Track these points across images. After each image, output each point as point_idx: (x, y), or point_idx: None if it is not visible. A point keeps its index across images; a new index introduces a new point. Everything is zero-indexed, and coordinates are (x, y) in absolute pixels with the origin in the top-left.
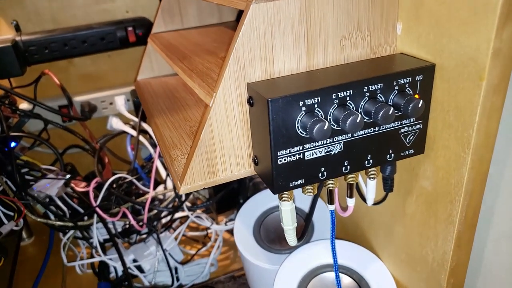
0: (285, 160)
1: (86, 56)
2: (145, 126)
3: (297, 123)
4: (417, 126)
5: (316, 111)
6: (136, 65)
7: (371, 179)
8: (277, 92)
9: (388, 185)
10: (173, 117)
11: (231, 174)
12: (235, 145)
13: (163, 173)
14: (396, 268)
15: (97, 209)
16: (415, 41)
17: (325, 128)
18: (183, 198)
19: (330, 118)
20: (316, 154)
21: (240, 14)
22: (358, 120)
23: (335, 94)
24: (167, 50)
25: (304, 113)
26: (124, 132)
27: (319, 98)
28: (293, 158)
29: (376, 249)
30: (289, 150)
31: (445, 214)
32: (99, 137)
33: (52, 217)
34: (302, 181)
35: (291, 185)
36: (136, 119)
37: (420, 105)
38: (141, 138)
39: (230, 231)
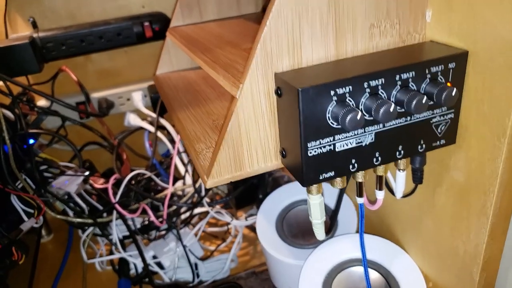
0: (315, 152)
1: (103, 52)
2: (163, 121)
3: (328, 113)
4: (449, 116)
5: (347, 100)
6: (153, 60)
7: (401, 170)
8: (307, 82)
9: (417, 176)
10: (195, 111)
11: (258, 167)
12: (262, 138)
13: (181, 169)
14: (424, 262)
15: (117, 206)
16: (446, 28)
17: (358, 117)
18: (203, 193)
19: (361, 108)
20: (347, 145)
21: (265, 5)
22: (391, 110)
23: (366, 83)
24: (187, 43)
25: (335, 103)
26: (141, 128)
27: (350, 87)
28: (324, 150)
29: (402, 243)
30: (320, 142)
31: (479, 206)
32: (117, 134)
33: (71, 214)
34: (332, 173)
35: (321, 178)
36: (154, 115)
37: (454, 94)
38: (159, 134)
39: (249, 227)
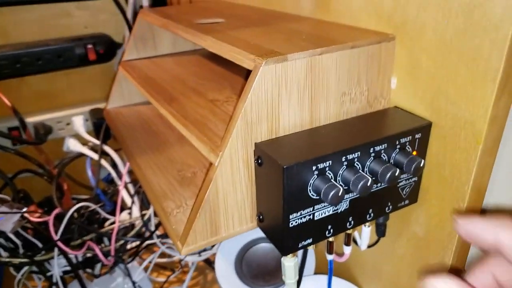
0: (296, 222)
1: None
2: (107, 148)
3: (310, 186)
4: (413, 179)
5: (327, 173)
6: (95, 82)
7: (367, 226)
8: (290, 157)
9: (381, 230)
10: (155, 157)
11: (233, 231)
12: (239, 203)
13: (127, 199)
14: None
15: (59, 243)
16: (411, 97)
17: (340, 194)
18: (152, 227)
19: (339, 179)
20: (325, 214)
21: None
22: (368, 184)
23: (344, 157)
24: (148, 86)
25: (316, 177)
26: (82, 155)
27: (330, 161)
28: (303, 220)
29: (361, 284)
30: (300, 213)
31: (437, 259)
32: (55, 160)
33: (1, 252)
34: (310, 240)
35: (300, 246)
36: (96, 141)
37: (422, 165)
38: (102, 161)
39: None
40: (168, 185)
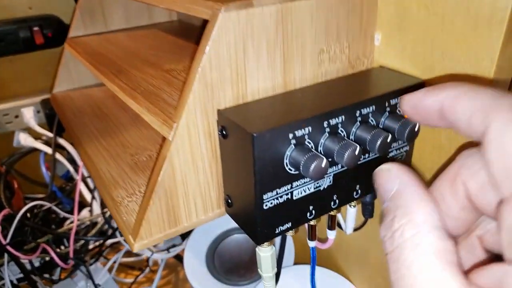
0: (271, 203)
1: None
2: (61, 141)
3: (286, 159)
4: (405, 149)
5: (306, 143)
6: (46, 71)
7: (352, 207)
8: (261, 124)
9: (368, 210)
10: (107, 142)
11: (196, 219)
12: (202, 185)
13: (87, 195)
14: None
15: (9, 248)
16: (398, 54)
17: (323, 165)
18: (116, 225)
19: (321, 150)
20: (305, 192)
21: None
22: (357, 153)
23: (326, 122)
24: (95, 61)
25: (293, 147)
26: (35, 150)
27: (310, 127)
28: (280, 200)
29: (347, 273)
30: (276, 191)
31: None
32: (4, 157)
33: None
34: (289, 224)
35: (277, 231)
36: (49, 134)
37: (417, 129)
38: (57, 155)
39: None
40: (120, 172)
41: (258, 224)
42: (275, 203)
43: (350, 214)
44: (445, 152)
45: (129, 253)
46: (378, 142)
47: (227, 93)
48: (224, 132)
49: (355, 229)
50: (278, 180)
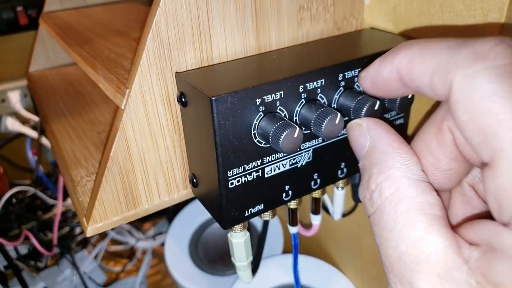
0: (238, 182)
1: None
2: None
3: (254, 130)
4: (398, 121)
5: (278, 110)
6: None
7: (340, 189)
8: (223, 87)
9: (358, 194)
10: (74, 120)
11: (159, 201)
12: (163, 162)
13: None
14: (364, 284)
15: None
16: (390, 11)
17: (296, 135)
18: None
19: (296, 119)
20: (279, 169)
21: None
22: (337, 121)
23: (302, 86)
24: (62, 32)
25: (262, 115)
26: (22, 135)
27: (281, 92)
28: (249, 178)
29: (339, 263)
30: (244, 168)
31: None
32: None
33: None
34: (261, 206)
35: (247, 214)
36: (37, 118)
37: (410, 96)
38: (44, 140)
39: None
40: (84, 150)
41: (224, 205)
42: (243, 181)
43: (338, 197)
44: None
45: (115, 242)
46: (364, 110)
47: (188, 55)
48: (183, 99)
49: (344, 215)
50: (246, 155)
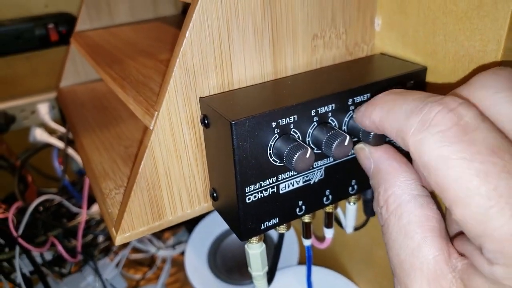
0: (254, 197)
1: None
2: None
3: (270, 150)
4: None
5: (292, 133)
6: (60, 67)
7: (352, 204)
8: (242, 111)
9: (369, 208)
10: (103, 134)
11: (182, 213)
12: (187, 177)
13: None
14: None
15: (20, 240)
16: (399, 39)
17: (308, 156)
18: None
19: (309, 140)
20: (293, 185)
21: (185, 7)
22: (346, 143)
23: (314, 110)
24: (92, 52)
25: (277, 136)
26: (50, 145)
27: (295, 116)
28: (265, 194)
29: (351, 274)
30: (260, 184)
31: None
32: (20, 152)
33: None
34: (276, 220)
35: (263, 227)
36: (64, 129)
37: None
38: (70, 150)
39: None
40: (112, 163)
41: (241, 218)
42: (259, 197)
43: (350, 212)
44: None
45: (136, 250)
46: (372, 133)
47: (211, 80)
48: (206, 121)
49: (356, 228)
50: (262, 172)
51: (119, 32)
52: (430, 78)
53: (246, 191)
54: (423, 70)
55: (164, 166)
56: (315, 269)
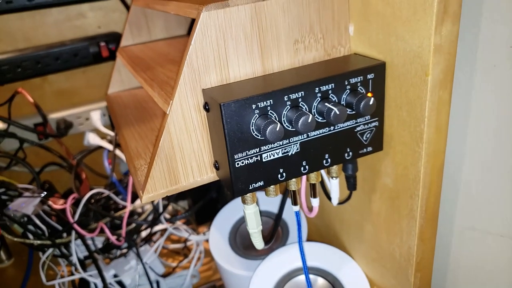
0: (242, 163)
1: (60, 73)
2: None
3: (252, 126)
4: (373, 124)
5: (269, 113)
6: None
7: (334, 178)
8: (230, 97)
9: (351, 183)
10: (140, 127)
11: (193, 180)
12: (196, 151)
13: None
14: (368, 266)
15: (75, 225)
16: (366, 41)
17: (277, 129)
18: (161, 210)
19: (284, 120)
20: (274, 156)
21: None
22: (309, 120)
23: (287, 96)
24: (132, 62)
25: (257, 116)
26: (101, 147)
27: (271, 100)
28: (251, 161)
29: (349, 249)
30: (246, 153)
31: (407, 209)
32: (76, 154)
33: (31, 236)
34: (261, 183)
35: (250, 188)
36: (113, 133)
37: (371, 103)
38: (118, 152)
39: None
40: (144, 148)
41: (233, 179)
42: (246, 163)
43: (333, 185)
44: (407, 125)
45: (175, 241)
46: (332, 113)
47: (212, 77)
48: (207, 107)
49: (341, 202)
50: (247, 143)
51: (155, 46)
52: (388, 71)
53: (235, 157)
54: (382, 65)
55: (178, 142)
56: (317, 245)
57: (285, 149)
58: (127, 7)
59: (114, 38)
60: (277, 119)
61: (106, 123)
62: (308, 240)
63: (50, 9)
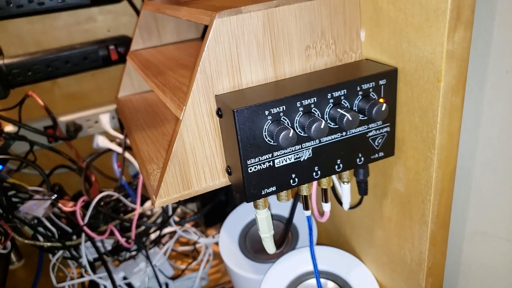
0: (255, 168)
1: (70, 76)
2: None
3: (264, 132)
4: (385, 129)
5: (282, 119)
6: (120, 82)
7: (345, 183)
8: (243, 103)
9: (362, 188)
10: (151, 132)
11: (205, 185)
12: (208, 156)
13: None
14: (379, 271)
15: (85, 228)
16: (378, 46)
17: (290, 135)
18: (170, 213)
19: (296, 126)
20: (286, 161)
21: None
22: (322, 126)
23: (299, 102)
24: (143, 66)
25: (270, 122)
26: (110, 150)
27: (284, 106)
28: (263, 166)
29: (359, 253)
30: (259, 159)
31: (418, 214)
32: (85, 156)
33: (41, 238)
34: (274, 188)
35: (263, 193)
36: (122, 136)
37: (383, 109)
38: (127, 155)
39: None
40: (156, 152)
41: (245, 184)
42: (259, 168)
43: (344, 190)
44: (420, 130)
45: (184, 243)
46: (344, 119)
47: (224, 83)
48: (219, 113)
49: (354, 206)
50: (260, 149)
51: (165, 50)
52: (400, 76)
53: (248, 163)
54: (394, 71)
55: (191, 147)
56: (327, 249)
57: (297, 154)
58: (137, 10)
59: (123, 42)
60: (290, 125)
61: (115, 126)
62: (318, 244)
63: (60, 13)
